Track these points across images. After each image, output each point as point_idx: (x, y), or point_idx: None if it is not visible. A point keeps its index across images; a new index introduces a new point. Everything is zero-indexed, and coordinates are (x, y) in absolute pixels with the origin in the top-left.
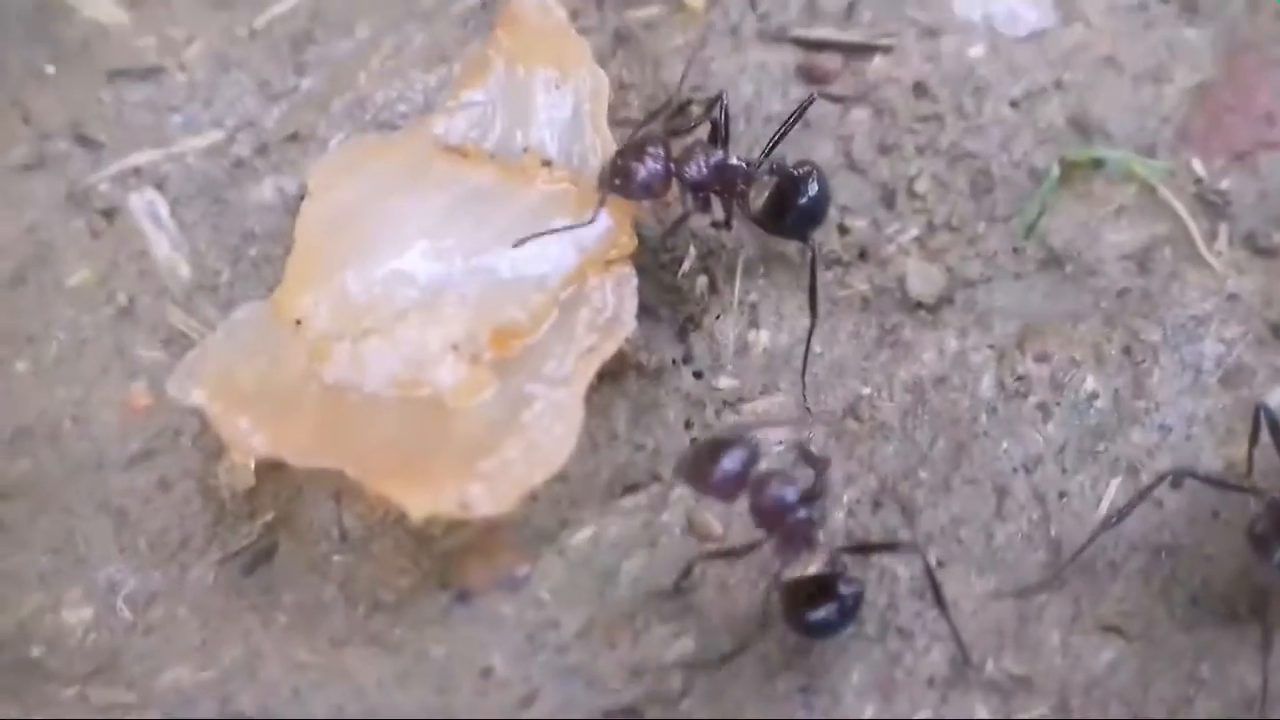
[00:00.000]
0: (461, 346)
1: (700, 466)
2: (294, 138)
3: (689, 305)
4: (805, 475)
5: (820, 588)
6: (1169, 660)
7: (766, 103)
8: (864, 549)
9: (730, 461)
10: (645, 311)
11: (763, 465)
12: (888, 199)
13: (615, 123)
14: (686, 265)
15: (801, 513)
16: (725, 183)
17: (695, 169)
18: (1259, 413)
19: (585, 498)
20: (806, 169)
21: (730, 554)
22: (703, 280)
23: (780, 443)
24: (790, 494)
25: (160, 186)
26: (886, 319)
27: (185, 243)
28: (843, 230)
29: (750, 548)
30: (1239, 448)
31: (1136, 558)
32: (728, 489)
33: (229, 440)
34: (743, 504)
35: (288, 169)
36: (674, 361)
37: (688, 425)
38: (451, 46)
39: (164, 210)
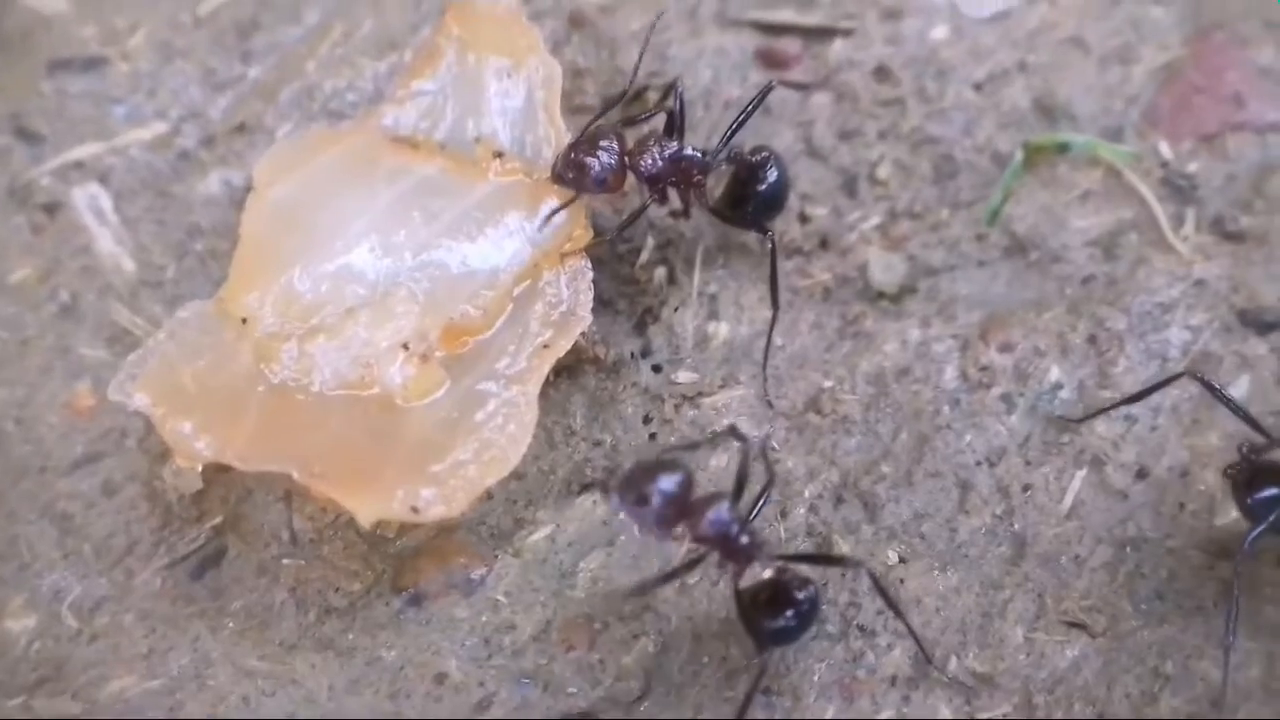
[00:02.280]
0: (412, 344)
1: (635, 506)
2: (240, 129)
3: (647, 297)
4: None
5: (776, 595)
6: (1133, 656)
7: (725, 88)
8: (810, 560)
9: (662, 498)
10: (602, 304)
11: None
12: (849, 186)
13: (571, 109)
14: (644, 256)
15: (742, 537)
16: (681, 174)
17: (650, 161)
18: None
19: (542, 496)
20: (764, 156)
21: (674, 576)
22: (661, 271)
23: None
24: (728, 517)
25: (103, 180)
26: (848, 309)
27: (129, 238)
28: (803, 219)
29: (694, 564)
30: (1204, 438)
31: (1101, 551)
32: (666, 524)
33: (172, 445)
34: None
35: (234, 161)
36: (632, 355)
37: (646, 420)
38: (402, 33)
39: (107, 205)
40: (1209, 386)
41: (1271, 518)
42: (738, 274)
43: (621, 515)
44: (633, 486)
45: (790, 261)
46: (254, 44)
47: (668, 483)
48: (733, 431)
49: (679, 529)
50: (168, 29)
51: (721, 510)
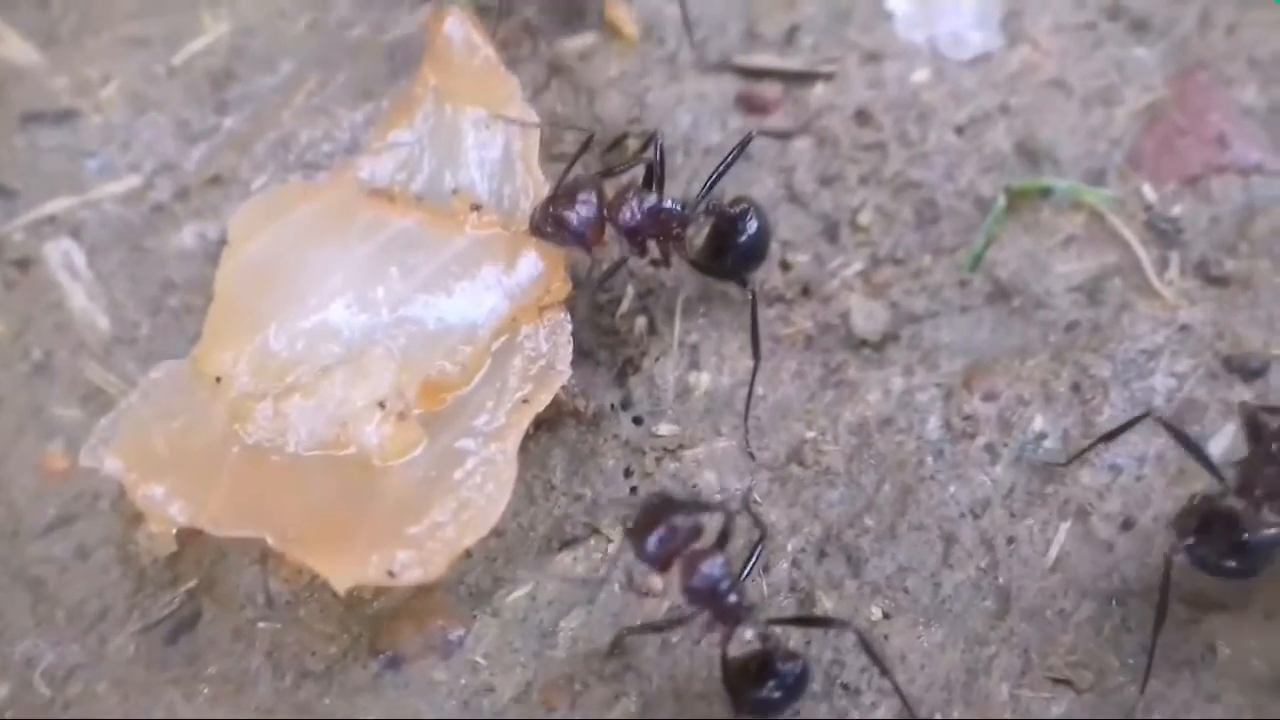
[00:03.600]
0: (389, 403)
1: (639, 535)
2: (215, 181)
3: (628, 348)
4: (742, 533)
5: (764, 667)
6: (1120, 711)
7: (705, 134)
8: (798, 622)
9: (668, 536)
10: (582, 355)
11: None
12: (830, 232)
13: (550, 157)
14: (625, 306)
15: (731, 596)
16: (661, 226)
17: (629, 215)
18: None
19: (521, 554)
20: (743, 207)
21: (659, 628)
22: (641, 321)
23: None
24: (721, 576)
25: (76, 235)
26: (831, 358)
27: (103, 294)
28: (785, 266)
29: (680, 621)
30: (1189, 487)
31: (1086, 605)
32: (661, 561)
33: (145, 510)
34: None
35: (209, 214)
36: (612, 407)
37: (627, 474)
38: (378, 82)
39: (80, 260)
40: (1170, 429)
41: (1189, 540)
42: (719, 323)
43: (626, 539)
44: (649, 517)
45: (772, 309)
46: (228, 94)
47: (682, 522)
48: (721, 505)
49: (672, 574)
50: (141, 80)
51: (716, 566)
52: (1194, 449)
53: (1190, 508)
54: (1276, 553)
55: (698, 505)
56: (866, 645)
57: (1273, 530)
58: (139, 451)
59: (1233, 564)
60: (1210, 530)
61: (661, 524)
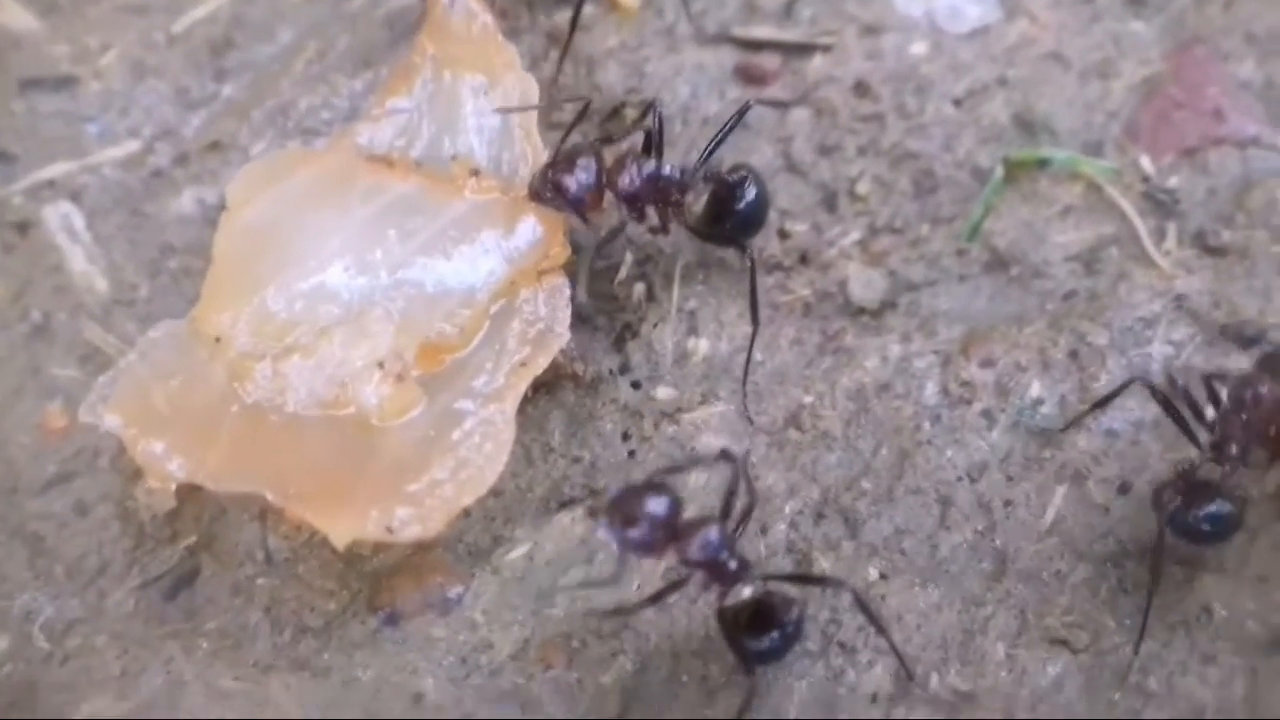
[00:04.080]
0: (387, 363)
1: (623, 529)
2: (214, 147)
3: (626, 313)
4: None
5: (760, 615)
6: (1116, 673)
7: (704, 104)
8: (794, 579)
9: (651, 522)
10: (581, 320)
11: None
12: (829, 202)
13: (549, 125)
14: (623, 272)
15: (731, 562)
16: (659, 193)
17: (628, 180)
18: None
19: (520, 513)
20: (742, 174)
21: (656, 599)
22: (640, 287)
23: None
24: (718, 541)
25: (76, 199)
26: (829, 325)
27: (102, 257)
28: (783, 235)
29: (677, 586)
30: (1186, 452)
31: (1083, 568)
32: (654, 548)
33: (144, 466)
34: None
35: (208, 179)
36: (611, 372)
37: (625, 437)
38: (378, 50)
39: (80, 223)
40: (1156, 395)
41: (1171, 509)
42: (717, 290)
43: (609, 540)
44: (621, 510)
45: (770, 277)
46: (228, 62)
47: (657, 506)
48: (724, 455)
49: (668, 553)
50: (140, 47)
51: (712, 534)
52: (1177, 417)
53: (1168, 480)
54: (1244, 516)
55: (669, 471)
56: (863, 604)
57: (1238, 497)
58: (138, 408)
59: (1208, 529)
60: (1189, 500)
61: (638, 516)
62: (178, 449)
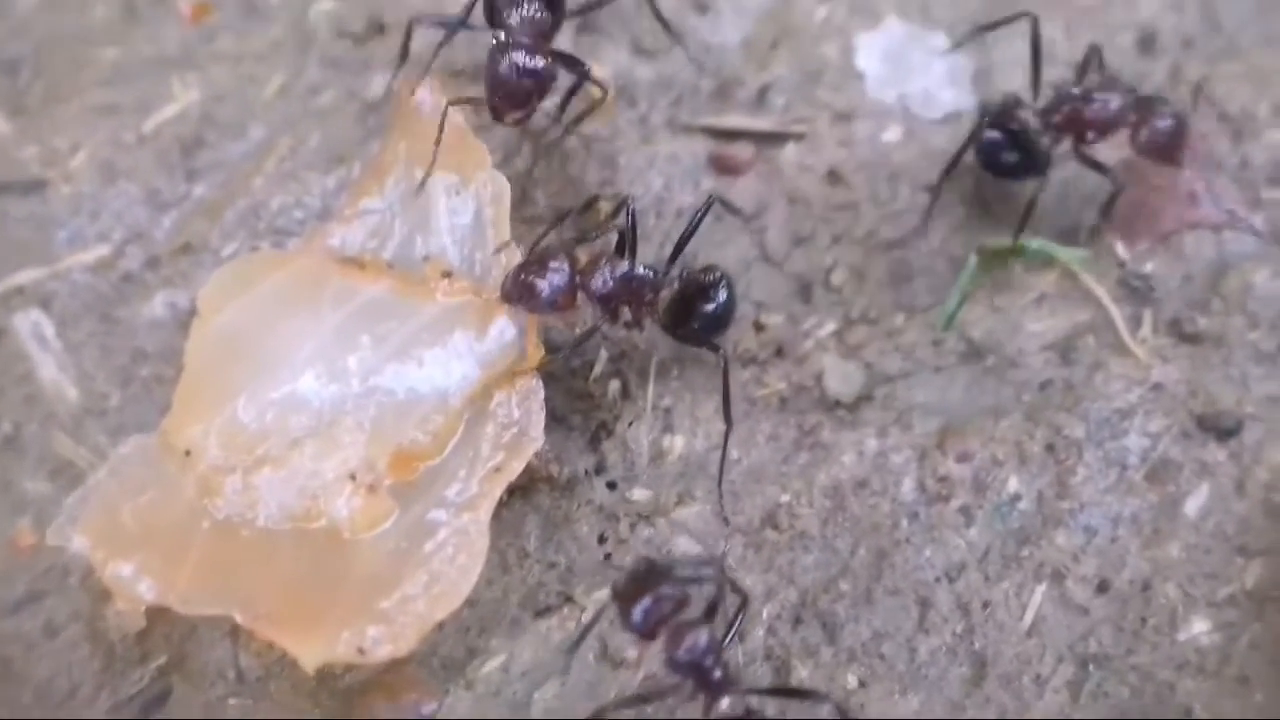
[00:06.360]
0: (359, 475)
1: (627, 602)
2: (185, 249)
3: (601, 412)
4: (720, 599)
5: None
6: None
7: (678, 195)
8: (776, 693)
9: (656, 606)
10: (555, 420)
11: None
12: (804, 292)
13: (522, 220)
14: (598, 369)
15: (717, 670)
16: (633, 293)
17: (601, 282)
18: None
19: (494, 623)
20: (715, 276)
21: (640, 701)
22: (615, 385)
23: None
24: (708, 648)
25: (46, 306)
26: (805, 419)
27: (72, 365)
28: (758, 327)
29: (659, 694)
30: (1164, 549)
31: (1063, 670)
32: (648, 631)
33: (113, 589)
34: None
35: (179, 282)
36: (586, 472)
37: (601, 540)
38: (350, 146)
39: (50, 331)
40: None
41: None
42: (692, 385)
43: (612, 603)
44: (636, 584)
45: (746, 371)
46: (198, 161)
47: (670, 592)
48: (708, 564)
49: (659, 642)
50: (110, 148)
51: (703, 638)
52: (1035, 61)
53: (1001, 102)
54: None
55: (684, 576)
56: (843, 717)
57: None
58: (107, 529)
59: (1011, 160)
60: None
61: (649, 593)
62: (147, 570)
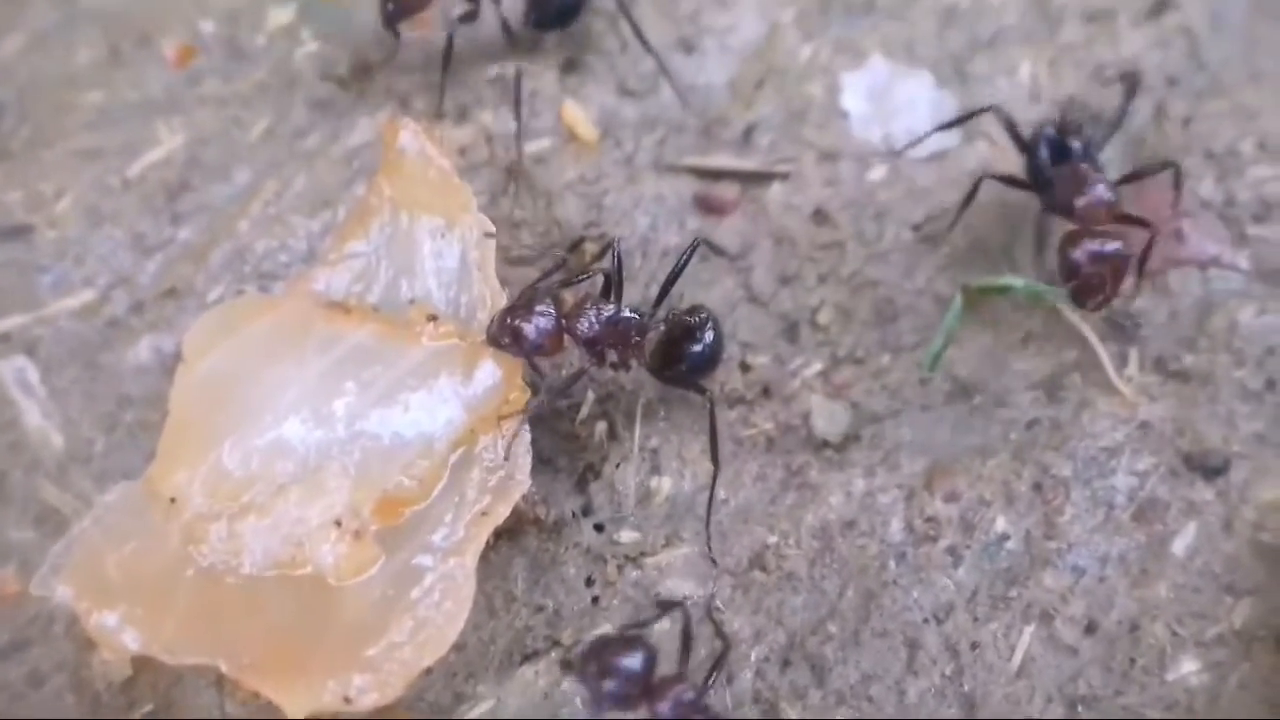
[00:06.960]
0: (344, 521)
1: (596, 682)
2: (171, 293)
3: (588, 454)
4: (704, 642)
5: None
6: None
7: (663, 236)
8: None
9: (625, 677)
10: (542, 462)
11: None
12: (790, 332)
13: (508, 261)
14: (584, 411)
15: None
16: (619, 336)
17: (587, 325)
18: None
19: (482, 668)
20: (701, 317)
21: None
22: (602, 426)
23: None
24: (691, 703)
25: (30, 352)
26: (792, 459)
27: (57, 411)
28: (745, 367)
29: None
30: (1153, 589)
31: (1052, 710)
32: (626, 703)
33: (98, 639)
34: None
35: (164, 327)
36: (573, 514)
37: (589, 583)
38: (335, 189)
39: (34, 377)
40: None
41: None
42: (679, 426)
43: (580, 692)
44: (594, 663)
45: (733, 411)
46: (183, 205)
47: (631, 661)
48: (681, 605)
49: (640, 709)
50: (95, 193)
51: (685, 694)
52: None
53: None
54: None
55: (631, 632)
56: None
57: None
58: (91, 579)
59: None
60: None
61: (613, 669)
62: (131, 620)
